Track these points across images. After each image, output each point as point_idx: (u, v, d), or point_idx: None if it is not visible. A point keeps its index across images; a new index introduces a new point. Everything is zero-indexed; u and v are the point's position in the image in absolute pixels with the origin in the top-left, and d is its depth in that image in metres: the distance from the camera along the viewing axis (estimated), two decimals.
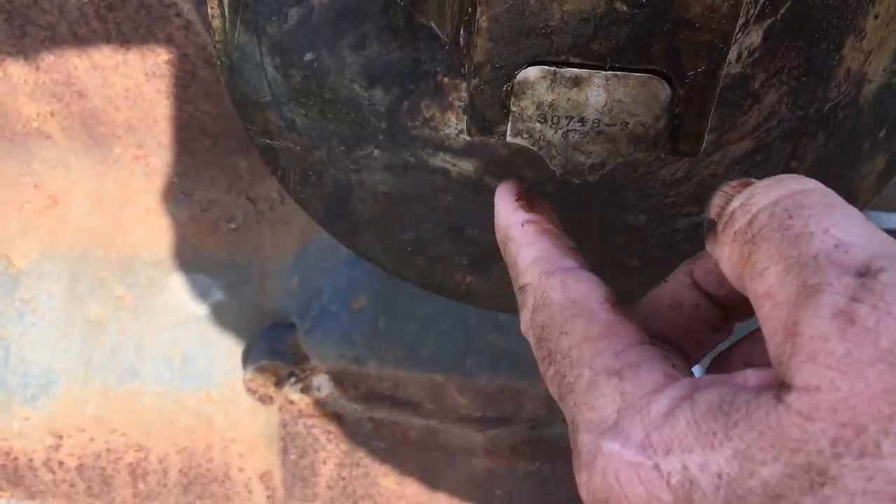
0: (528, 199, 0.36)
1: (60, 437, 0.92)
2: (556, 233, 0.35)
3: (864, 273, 0.22)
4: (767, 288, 0.24)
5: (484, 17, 0.30)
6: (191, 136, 0.82)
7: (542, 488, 0.89)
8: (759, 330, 0.35)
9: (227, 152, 0.84)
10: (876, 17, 0.38)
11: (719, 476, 0.22)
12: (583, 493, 0.26)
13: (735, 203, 0.26)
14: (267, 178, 0.86)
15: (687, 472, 0.23)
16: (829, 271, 0.22)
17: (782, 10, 0.35)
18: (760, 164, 0.42)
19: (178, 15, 0.69)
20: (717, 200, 0.29)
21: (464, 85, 0.40)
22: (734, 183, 0.29)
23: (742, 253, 0.25)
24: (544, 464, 0.87)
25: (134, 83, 0.76)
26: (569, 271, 0.32)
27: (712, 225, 0.28)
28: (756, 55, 0.37)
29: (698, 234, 0.45)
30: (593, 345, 0.28)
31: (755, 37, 0.36)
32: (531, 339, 0.32)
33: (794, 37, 0.37)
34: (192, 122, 0.80)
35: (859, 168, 0.44)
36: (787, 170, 0.43)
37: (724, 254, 0.26)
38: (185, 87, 0.76)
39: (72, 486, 0.94)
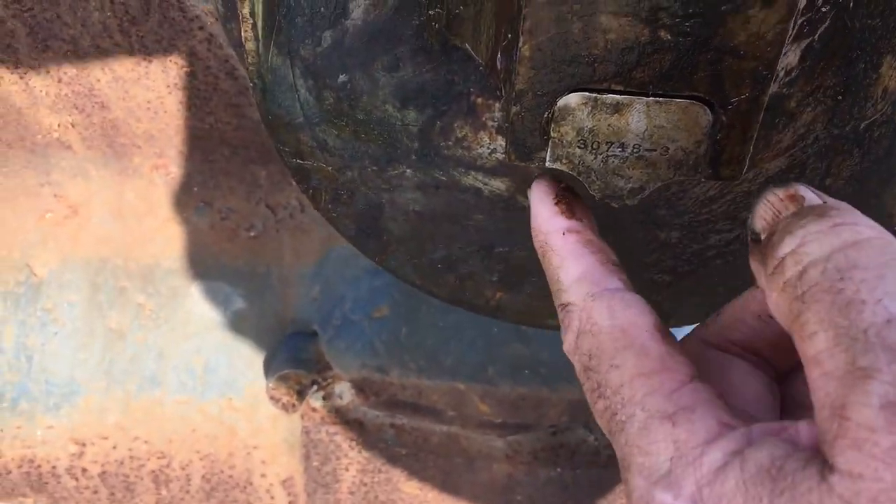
0: (568, 202, 0.34)
1: (83, 445, 0.92)
2: (599, 245, 0.33)
3: None
4: (816, 353, 0.24)
5: (526, 46, 0.30)
6: (211, 146, 0.82)
7: (563, 494, 0.89)
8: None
9: (246, 162, 0.84)
10: None
11: None
12: None
13: (785, 248, 0.26)
14: (286, 186, 0.86)
15: None
16: (879, 354, 0.22)
17: (820, 30, 0.35)
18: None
19: (201, 28, 0.69)
20: (761, 212, 0.28)
21: (497, 105, 0.40)
22: (780, 194, 0.27)
23: (791, 308, 0.25)
24: (565, 470, 0.87)
25: (156, 95, 0.76)
26: (616, 294, 0.31)
27: (756, 237, 0.27)
28: (793, 75, 0.36)
29: (730, 250, 0.45)
30: (646, 382, 0.27)
31: (792, 57, 0.36)
32: (576, 364, 0.31)
33: (832, 56, 0.37)
34: (212, 132, 0.80)
35: (895, 187, 0.44)
36: (822, 187, 0.42)
37: (773, 299, 0.26)
38: (206, 98, 0.76)
39: (95, 492, 0.95)
